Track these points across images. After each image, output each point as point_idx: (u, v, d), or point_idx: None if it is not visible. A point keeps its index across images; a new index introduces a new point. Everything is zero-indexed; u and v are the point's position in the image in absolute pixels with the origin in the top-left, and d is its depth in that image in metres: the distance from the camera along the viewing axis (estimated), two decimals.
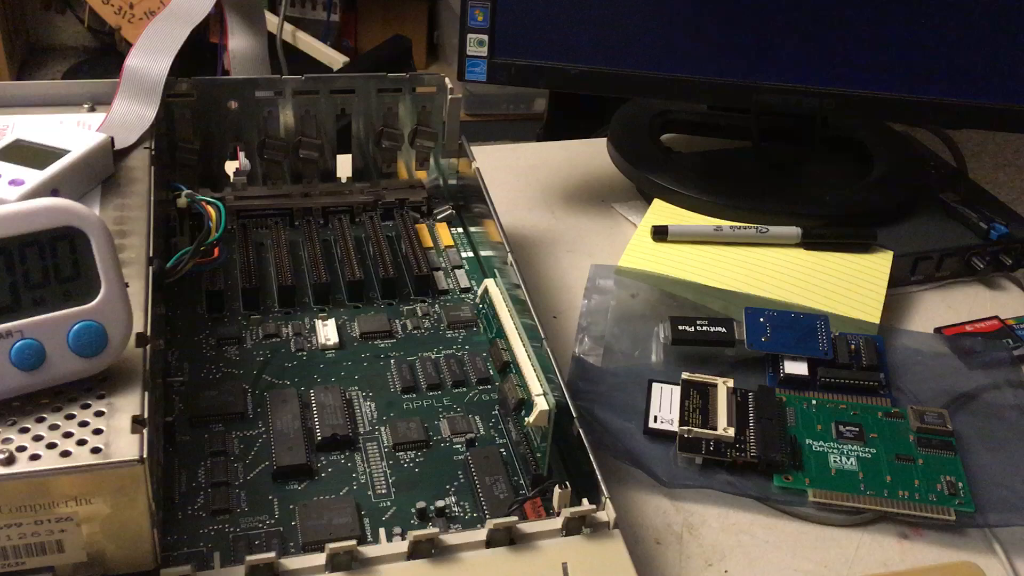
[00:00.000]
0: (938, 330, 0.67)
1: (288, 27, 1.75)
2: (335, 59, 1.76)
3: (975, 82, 0.71)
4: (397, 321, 0.61)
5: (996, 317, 0.68)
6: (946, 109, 0.72)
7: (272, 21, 1.59)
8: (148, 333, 0.45)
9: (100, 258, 0.42)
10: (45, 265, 0.41)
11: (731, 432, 0.55)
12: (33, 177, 0.52)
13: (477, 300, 0.63)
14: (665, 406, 0.57)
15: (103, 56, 2.24)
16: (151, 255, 0.51)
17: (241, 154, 0.69)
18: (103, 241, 0.42)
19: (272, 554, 0.41)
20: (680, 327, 0.62)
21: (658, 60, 0.74)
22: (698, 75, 0.74)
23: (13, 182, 0.52)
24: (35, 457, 0.39)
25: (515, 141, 0.92)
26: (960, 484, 0.54)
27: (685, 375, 0.58)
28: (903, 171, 0.79)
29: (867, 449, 0.56)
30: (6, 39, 2.08)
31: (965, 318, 0.68)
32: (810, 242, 0.71)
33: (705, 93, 0.76)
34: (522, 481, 0.51)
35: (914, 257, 0.72)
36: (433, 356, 0.59)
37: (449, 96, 0.69)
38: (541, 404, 0.49)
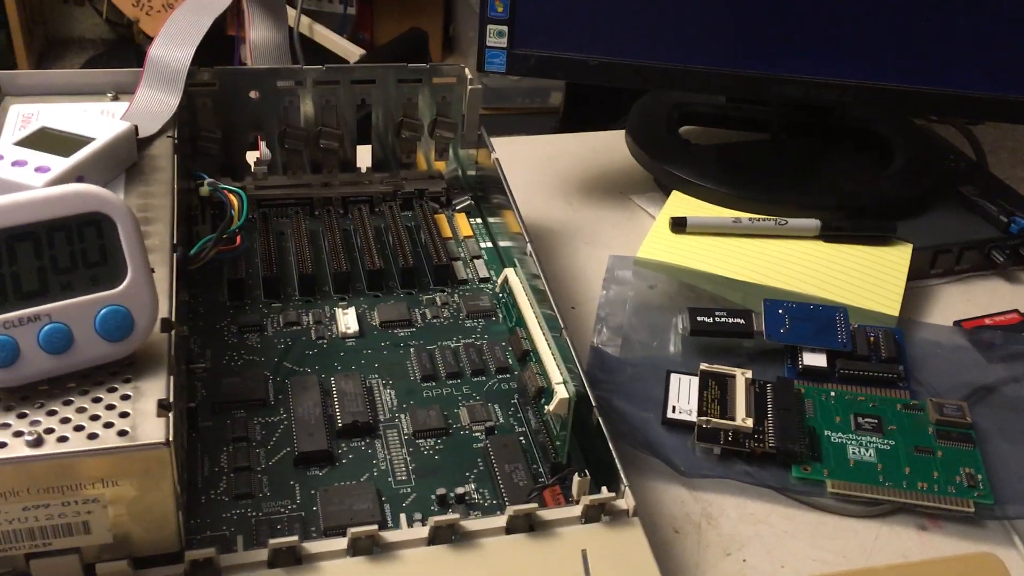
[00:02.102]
0: (958, 323, 0.67)
1: (305, 20, 1.75)
2: (352, 52, 1.76)
3: (996, 75, 0.70)
4: (416, 310, 0.62)
5: (1016, 310, 0.68)
6: (967, 102, 0.72)
7: (289, 14, 1.60)
8: (173, 319, 0.46)
9: (127, 243, 0.43)
10: (72, 250, 0.42)
11: (749, 423, 0.55)
12: (59, 164, 0.52)
13: (497, 289, 0.63)
14: (683, 396, 0.57)
15: (121, 48, 2.25)
16: (175, 242, 0.51)
17: (262, 144, 0.70)
18: (129, 227, 0.43)
19: (295, 538, 0.42)
20: (699, 318, 0.62)
21: (677, 52, 0.74)
22: (717, 67, 0.74)
23: (39, 169, 0.52)
24: (62, 439, 0.39)
25: (531, 134, 0.92)
26: (979, 476, 0.54)
27: (703, 366, 0.58)
28: (922, 164, 0.79)
29: (886, 441, 0.55)
30: (24, 31, 2.09)
31: (985, 311, 0.68)
32: (829, 234, 0.71)
33: (724, 85, 0.76)
34: (541, 469, 0.51)
35: (934, 250, 0.71)
36: (452, 345, 0.59)
37: (469, 87, 0.69)
38: (561, 392, 0.49)
